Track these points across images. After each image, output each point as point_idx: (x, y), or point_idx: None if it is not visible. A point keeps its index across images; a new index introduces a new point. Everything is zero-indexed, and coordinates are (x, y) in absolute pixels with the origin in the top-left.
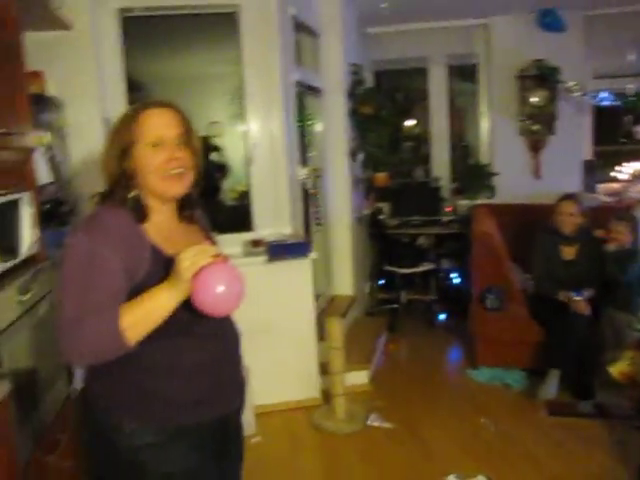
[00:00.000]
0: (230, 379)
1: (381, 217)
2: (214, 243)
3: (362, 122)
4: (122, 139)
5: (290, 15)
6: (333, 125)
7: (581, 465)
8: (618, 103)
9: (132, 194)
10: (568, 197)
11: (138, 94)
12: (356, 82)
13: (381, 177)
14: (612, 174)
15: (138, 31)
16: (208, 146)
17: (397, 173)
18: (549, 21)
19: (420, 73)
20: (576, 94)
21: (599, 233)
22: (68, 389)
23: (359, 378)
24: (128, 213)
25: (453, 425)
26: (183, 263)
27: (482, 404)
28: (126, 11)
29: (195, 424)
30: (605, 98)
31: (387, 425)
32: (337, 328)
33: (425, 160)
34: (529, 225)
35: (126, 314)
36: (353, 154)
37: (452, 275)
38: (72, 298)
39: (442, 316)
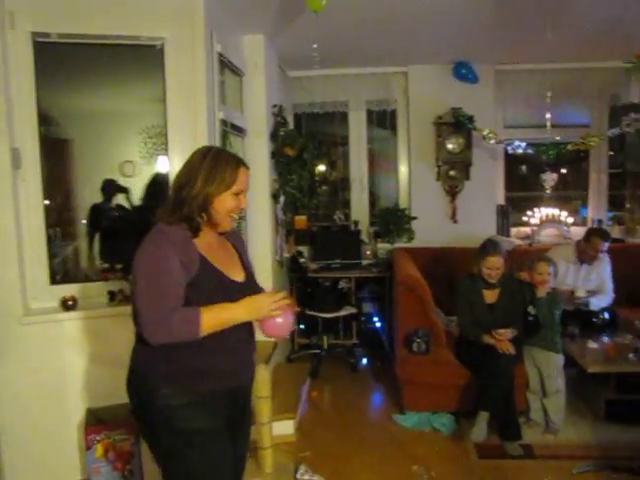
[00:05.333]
0: (244, 360)
1: (301, 260)
2: (244, 256)
3: (284, 164)
4: (226, 179)
5: (216, 52)
6: (256, 166)
7: None
8: (531, 151)
9: (197, 217)
10: (492, 252)
11: (47, 128)
12: (279, 124)
13: (301, 220)
14: (523, 218)
15: (53, 59)
16: (115, 187)
17: (315, 216)
18: (463, 73)
19: (341, 117)
20: (492, 142)
21: (523, 276)
22: None
23: (284, 428)
24: (183, 228)
25: (385, 473)
26: (267, 303)
27: (412, 450)
28: (40, 36)
29: (215, 390)
30: (519, 146)
31: (317, 477)
32: (264, 376)
33: (344, 204)
34: (447, 268)
35: (208, 316)
36: (275, 196)
37: (373, 319)
38: (156, 294)
39: (364, 360)
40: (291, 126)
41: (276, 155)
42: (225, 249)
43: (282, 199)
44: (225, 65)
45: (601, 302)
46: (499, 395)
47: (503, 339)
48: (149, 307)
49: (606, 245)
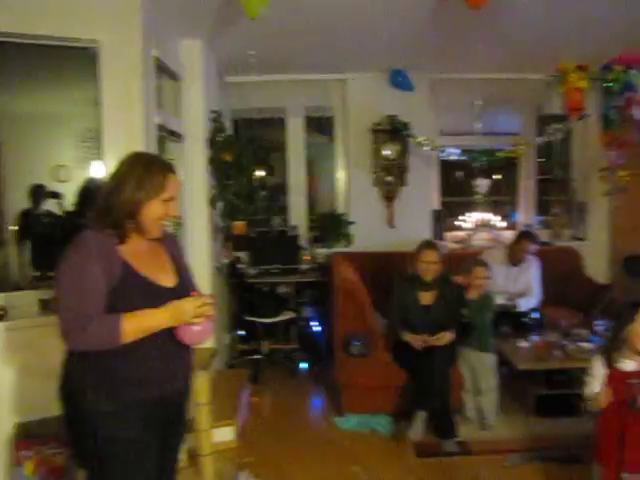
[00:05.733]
0: (175, 368)
1: (240, 266)
2: (178, 261)
3: (222, 170)
4: (154, 186)
5: (153, 56)
6: (194, 171)
7: None
8: (464, 158)
9: (125, 223)
10: (428, 245)
11: None
12: (217, 129)
13: (239, 226)
14: (457, 223)
15: None
16: (45, 193)
17: (254, 222)
18: (400, 80)
19: (278, 123)
20: (426, 148)
21: (458, 279)
22: None
23: (225, 435)
24: (107, 235)
25: (326, 476)
26: (190, 308)
27: (352, 452)
28: None
29: (143, 399)
30: (453, 153)
31: None
32: (203, 382)
33: (283, 209)
34: (385, 272)
35: (129, 323)
36: (213, 202)
37: (312, 323)
38: (74, 301)
39: (304, 365)
40: (229, 132)
41: (214, 161)
42: (156, 255)
43: (220, 205)
44: (162, 70)
45: (528, 303)
46: (435, 395)
47: (435, 342)
48: (68, 314)
49: (533, 247)
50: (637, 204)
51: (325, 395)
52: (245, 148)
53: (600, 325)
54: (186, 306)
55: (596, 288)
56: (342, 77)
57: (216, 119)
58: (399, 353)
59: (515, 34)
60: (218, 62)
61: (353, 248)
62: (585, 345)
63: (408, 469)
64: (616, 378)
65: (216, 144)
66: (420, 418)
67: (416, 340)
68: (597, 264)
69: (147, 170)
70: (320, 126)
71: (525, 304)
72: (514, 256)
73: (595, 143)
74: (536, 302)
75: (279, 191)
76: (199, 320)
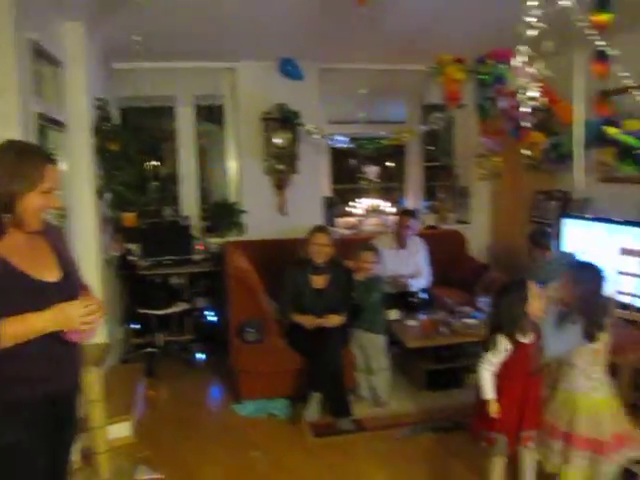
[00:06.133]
0: (60, 366)
1: (131, 258)
2: (63, 253)
3: (109, 160)
4: (31, 176)
5: (29, 39)
6: (78, 162)
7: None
8: (352, 146)
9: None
10: (319, 229)
11: None
12: (102, 118)
13: (129, 217)
14: (347, 209)
15: None
16: None
17: (145, 213)
18: (289, 69)
19: (168, 112)
20: (315, 137)
21: (349, 263)
22: None
23: (121, 430)
24: None
25: (226, 463)
26: (76, 315)
27: (251, 437)
28: None
29: (28, 400)
30: (340, 141)
31: (157, 475)
32: (95, 378)
33: (174, 199)
34: (278, 259)
35: (10, 327)
36: (100, 193)
37: (207, 313)
38: None
39: (201, 355)
40: (116, 120)
41: (100, 151)
42: (37, 248)
43: (108, 196)
44: (41, 54)
45: (419, 284)
46: (329, 376)
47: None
48: None
49: (413, 222)
50: (514, 189)
51: (223, 384)
52: (132, 137)
53: (482, 302)
54: (73, 313)
55: (478, 268)
56: (232, 65)
57: (101, 107)
58: (293, 337)
59: (396, 26)
60: (103, 47)
61: (246, 237)
62: (469, 321)
63: (306, 450)
64: (521, 351)
65: (102, 133)
66: (315, 399)
67: (306, 320)
68: (479, 245)
69: (20, 160)
70: (210, 115)
71: (416, 284)
72: (399, 236)
73: (474, 131)
74: (426, 283)
75: (170, 181)
76: (89, 327)
